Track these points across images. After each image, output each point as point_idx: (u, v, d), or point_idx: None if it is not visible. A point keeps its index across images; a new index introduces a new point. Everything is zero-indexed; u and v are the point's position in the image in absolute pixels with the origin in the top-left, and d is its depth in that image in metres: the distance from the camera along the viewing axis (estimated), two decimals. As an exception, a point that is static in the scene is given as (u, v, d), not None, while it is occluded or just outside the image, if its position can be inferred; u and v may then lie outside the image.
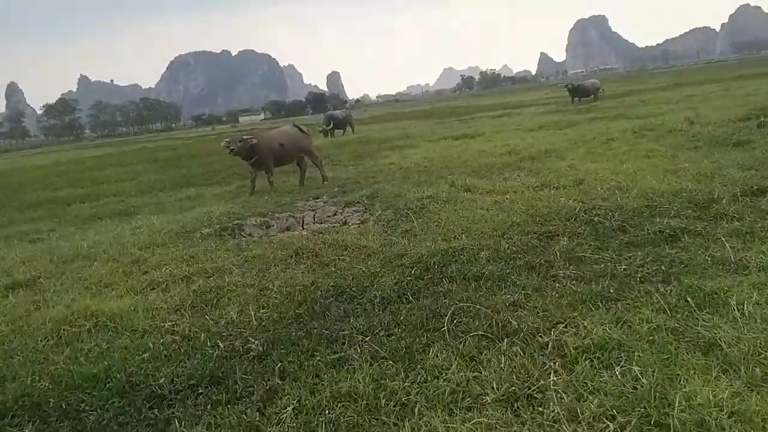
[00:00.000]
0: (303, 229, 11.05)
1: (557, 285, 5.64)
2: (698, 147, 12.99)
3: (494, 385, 3.83)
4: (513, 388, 3.78)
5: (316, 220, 11.43)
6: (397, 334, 4.95)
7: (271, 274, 7.13)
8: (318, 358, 4.65)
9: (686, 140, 14.16)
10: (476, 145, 19.14)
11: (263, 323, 5.67)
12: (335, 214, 11.51)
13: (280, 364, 4.57)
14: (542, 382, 3.80)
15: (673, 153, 12.50)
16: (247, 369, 4.64)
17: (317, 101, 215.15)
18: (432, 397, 3.80)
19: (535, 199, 9.29)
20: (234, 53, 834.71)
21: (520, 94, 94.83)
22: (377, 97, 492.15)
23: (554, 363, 4.00)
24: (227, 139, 14.57)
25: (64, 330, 5.81)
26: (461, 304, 5.38)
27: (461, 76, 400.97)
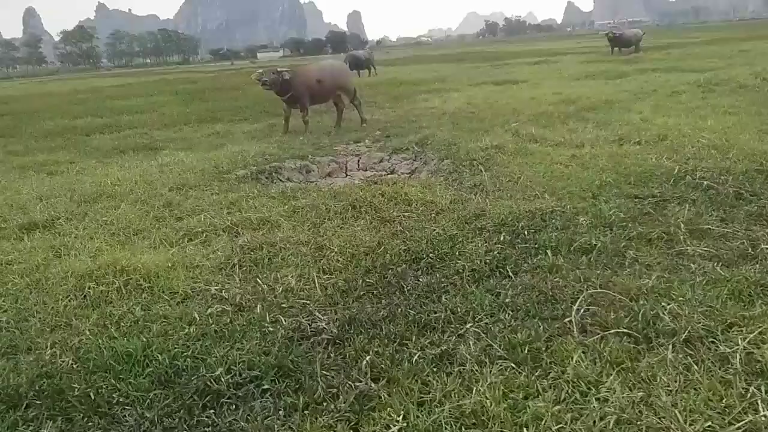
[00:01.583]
0: (346, 175, 10.05)
1: (692, 266, 4.58)
2: (784, 105, 11.67)
3: (678, 417, 2.81)
4: (708, 424, 2.75)
5: (360, 166, 10.40)
6: (505, 321, 3.94)
7: (326, 230, 6.11)
8: (413, 350, 3.65)
9: (764, 97, 12.82)
10: (524, 92, 17.81)
11: (329, 293, 4.68)
12: (382, 161, 10.46)
13: (368, 358, 3.57)
14: (749, 418, 2.77)
15: (757, 110, 11.21)
16: (323, 359, 3.66)
17: (337, 40, 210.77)
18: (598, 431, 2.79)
19: (619, 156, 8.14)
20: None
21: (549, 41, 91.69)
22: (397, 39, 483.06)
23: (761, 389, 2.95)
24: (260, 70, 13.36)
25: (89, 288, 4.84)
26: (577, 285, 4.35)
27: (485, 21, 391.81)
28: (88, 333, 4.16)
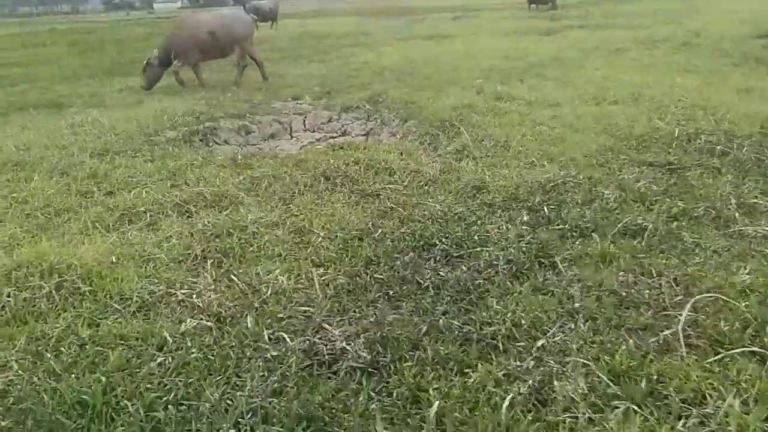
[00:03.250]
0: (292, 137, 8.89)
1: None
2: (737, 63, 11.34)
3: None
4: None
5: (307, 127, 9.23)
6: (582, 334, 3.07)
7: (301, 208, 5.05)
8: (485, 384, 2.72)
9: (714, 55, 12.50)
10: (459, 47, 16.90)
11: (332, 295, 3.67)
12: (330, 121, 9.33)
13: (436, 404, 2.59)
14: None
15: (715, 68, 10.82)
16: (365, 403, 2.67)
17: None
18: None
19: (605, 116, 7.42)
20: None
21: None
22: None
23: None
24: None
25: (9, 296, 3.60)
26: (650, 281, 3.55)
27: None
28: (16, 367, 2.98)
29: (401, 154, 6.32)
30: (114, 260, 4.04)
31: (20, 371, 2.94)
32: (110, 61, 17.67)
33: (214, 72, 13.58)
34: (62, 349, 3.12)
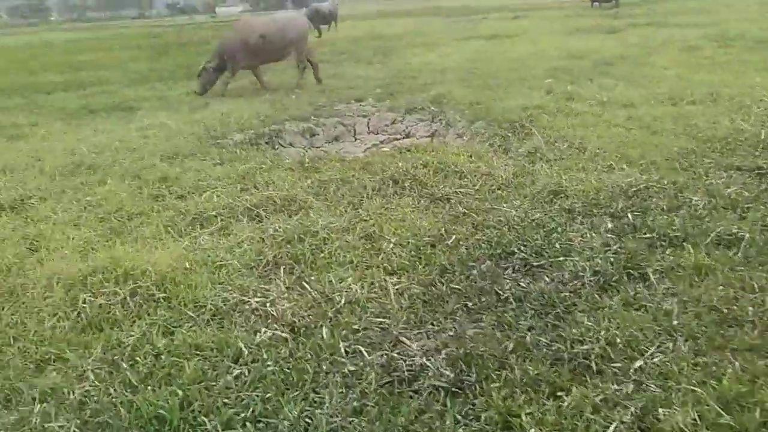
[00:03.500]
0: (355, 139, 8.81)
1: None
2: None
3: None
4: None
5: (371, 129, 9.14)
6: (685, 355, 2.83)
7: (370, 213, 4.93)
8: (582, 410, 2.53)
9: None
10: (521, 47, 16.54)
11: (407, 306, 3.54)
12: (394, 123, 9.21)
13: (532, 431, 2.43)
14: None
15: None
16: (452, 427, 2.52)
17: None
18: None
19: (684, 117, 7.06)
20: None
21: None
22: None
23: None
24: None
25: (84, 302, 3.59)
26: (753, 296, 3.28)
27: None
28: (92, 377, 2.95)
29: (471, 156, 6.14)
30: (187, 266, 3.99)
31: (97, 382, 2.90)
32: (176, 64, 17.99)
33: (277, 75, 13.63)
34: (138, 358, 3.07)
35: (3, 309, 3.64)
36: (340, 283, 3.80)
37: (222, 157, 6.79)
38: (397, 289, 3.72)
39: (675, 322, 3.06)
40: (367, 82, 12.28)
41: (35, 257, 4.35)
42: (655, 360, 2.80)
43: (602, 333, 2.99)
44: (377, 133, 9.00)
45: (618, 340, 2.93)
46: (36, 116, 10.56)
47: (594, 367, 2.79)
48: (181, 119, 9.14)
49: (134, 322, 3.47)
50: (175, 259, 4.09)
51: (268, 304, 3.54)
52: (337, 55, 18.06)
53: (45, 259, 4.27)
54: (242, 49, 11.59)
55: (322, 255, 4.18)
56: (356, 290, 3.68)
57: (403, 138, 8.68)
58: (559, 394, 2.64)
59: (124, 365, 3.01)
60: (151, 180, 5.91)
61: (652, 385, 2.64)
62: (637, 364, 2.78)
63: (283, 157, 6.69)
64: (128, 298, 3.63)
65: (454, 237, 4.36)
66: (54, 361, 3.15)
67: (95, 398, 2.78)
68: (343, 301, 3.56)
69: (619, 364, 2.80)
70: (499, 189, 5.34)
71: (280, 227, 4.59)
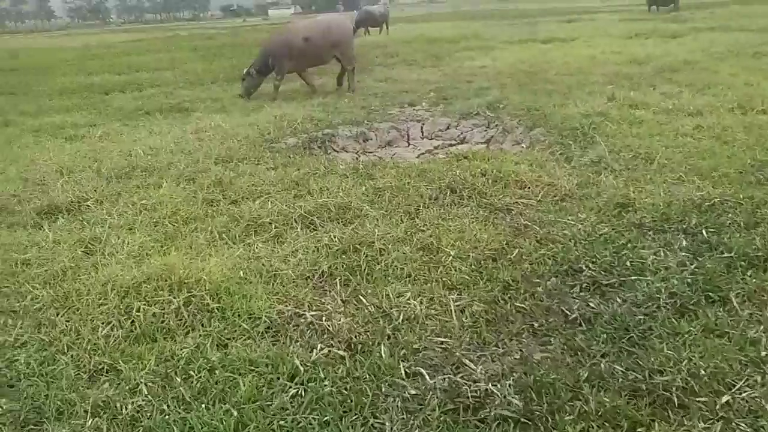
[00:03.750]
0: (409, 144, 8.67)
1: None
2: None
3: None
4: None
5: (425, 134, 8.98)
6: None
7: (427, 223, 4.76)
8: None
9: None
10: (579, 51, 16.14)
11: (469, 324, 3.36)
12: (449, 128, 9.04)
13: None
14: None
15: None
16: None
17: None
18: None
19: (757, 127, 6.71)
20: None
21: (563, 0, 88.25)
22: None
23: None
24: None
25: (139, 311, 3.52)
26: None
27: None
28: (145, 391, 2.86)
29: (531, 165, 5.92)
30: (242, 275, 3.90)
31: (150, 396, 2.81)
32: (230, 66, 18.13)
33: (330, 78, 13.57)
34: (191, 372, 2.98)
35: (58, 315, 3.60)
36: (398, 297, 3.65)
37: (275, 161, 6.72)
38: (457, 306, 3.56)
39: (763, 354, 2.81)
40: (421, 86, 12.13)
41: (90, 261, 4.32)
42: (743, 395, 2.57)
43: (683, 363, 2.76)
44: (431, 138, 8.84)
45: (701, 372, 2.70)
46: (94, 116, 10.73)
47: (676, 401, 2.58)
48: (236, 122, 9.14)
49: (188, 333, 3.38)
50: (230, 267, 4.00)
51: (324, 319, 3.41)
52: (389, 58, 17.95)
53: (100, 263, 4.23)
54: (288, 53, 11.57)
55: (378, 267, 4.04)
56: (415, 306, 3.53)
57: (458, 144, 8.51)
58: (639, 430, 2.43)
59: (178, 379, 2.92)
60: (205, 184, 5.87)
61: (742, 424, 2.41)
62: (724, 399, 2.55)
63: (337, 163, 6.57)
64: (182, 307, 3.55)
65: (516, 251, 4.17)
66: (107, 372, 3.08)
67: (148, 414, 2.69)
68: (401, 318, 3.41)
69: (704, 399, 2.57)
70: (562, 200, 5.12)
71: (335, 236, 4.47)
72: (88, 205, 5.48)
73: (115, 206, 5.41)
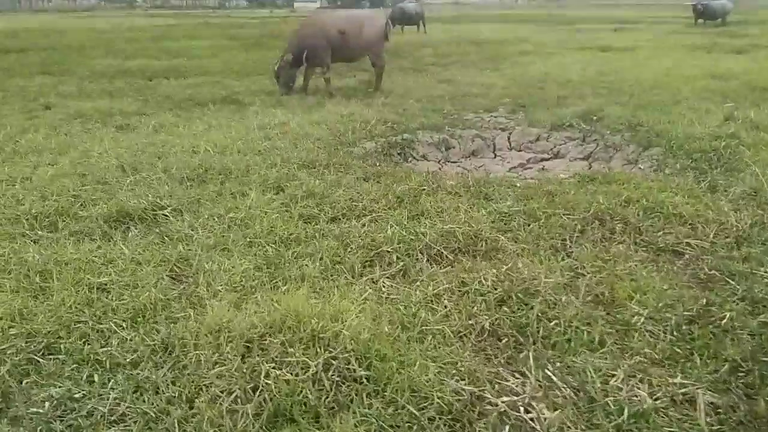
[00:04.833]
0: (495, 155, 7.82)
1: None
2: None
3: None
4: None
5: (512, 145, 8.10)
6: None
7: (587, 265, 3.86)
8: None
9: None
10: (650, 62, 15.17)
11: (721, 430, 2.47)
12: (539, 140, 8.15)
13: None
14: None
15: None
16: None
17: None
18: None
19: None
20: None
21: (606, 8, 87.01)
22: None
23: None
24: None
25: (268, 376, 2.65)
26: None
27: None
28: None
29: (685, 195, 5.00)
30: (387, 330, 3.02)
31: None
32: (273, 57, 17.29)
33: (391, 79, 12.70)
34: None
35: (160, 373, 2.73)
36: (598, 374, 2.76)
37: (366, 170, 5.85)
38: (683, 395, 2.67)
39: None
40: (489, 90, 11.25)
41: (181, 292, 3.46)
42: None
43: None
44: (519, 150, 7.97)
45: None
46: (141, 104, 9.91)
47: None
48: (301, 119, 8.27)
49: (335, 413, 2.51)
50: (365, 315, 3.13)
51: (521, 409, 2.53)
52: (441, 58, 17.06)
53: (195, 296, 3.37)
54: (324, 44, 10.67)
55: (556, 330, 3.15)
56: (643, 395, 2.63)
57: (552, 158, 7.64)
58: None
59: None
60: (297, 195, 4.99)
61: None
62: None
63: (445, 179, 5.66)
64: (321, 373, 2.68)
65: (727, 314, 3.26)
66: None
67: None
68: (626, 413, 2.52)
69: None
70: (737, 243, 4.21)
71: (482, 278, 3.58)
72: (165, 215, 4.60)
73: (198, 218, 4.54)
